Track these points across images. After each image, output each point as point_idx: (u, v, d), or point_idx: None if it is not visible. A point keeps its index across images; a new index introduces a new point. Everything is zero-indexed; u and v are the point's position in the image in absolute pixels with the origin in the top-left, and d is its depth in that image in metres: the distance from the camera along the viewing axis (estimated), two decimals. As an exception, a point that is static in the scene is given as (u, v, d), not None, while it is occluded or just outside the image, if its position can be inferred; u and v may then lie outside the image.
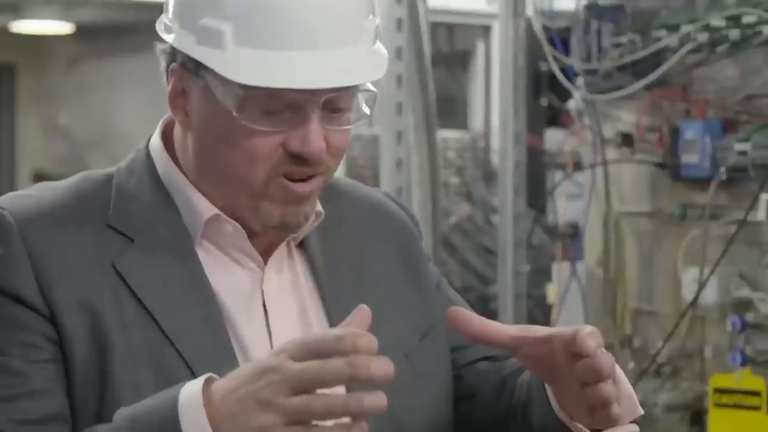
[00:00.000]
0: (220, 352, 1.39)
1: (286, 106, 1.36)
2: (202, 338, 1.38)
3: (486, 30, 4.84)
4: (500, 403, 1.54)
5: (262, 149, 1.37)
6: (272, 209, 1.41)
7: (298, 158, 1.38)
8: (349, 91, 1.38)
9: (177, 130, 1.48)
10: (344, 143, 1.42)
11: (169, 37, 1.41)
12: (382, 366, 1.13)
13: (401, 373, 1.22)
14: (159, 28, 1.43)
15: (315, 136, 1.36)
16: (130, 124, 7.39)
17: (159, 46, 1.44)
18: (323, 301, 1.49)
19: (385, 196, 1.67)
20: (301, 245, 1.52)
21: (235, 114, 1.36)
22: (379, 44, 1.43)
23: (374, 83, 1.43)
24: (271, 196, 1.40)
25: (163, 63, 1.44)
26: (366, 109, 1.43)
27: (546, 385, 1.43)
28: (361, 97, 1.42)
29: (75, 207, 1.42)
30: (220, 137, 1.39)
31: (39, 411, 1.32)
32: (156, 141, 1.49)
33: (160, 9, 1.46)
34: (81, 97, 8.37)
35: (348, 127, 1.42)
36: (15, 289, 1.35)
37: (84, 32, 7.48)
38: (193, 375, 1.31)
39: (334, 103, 1.38)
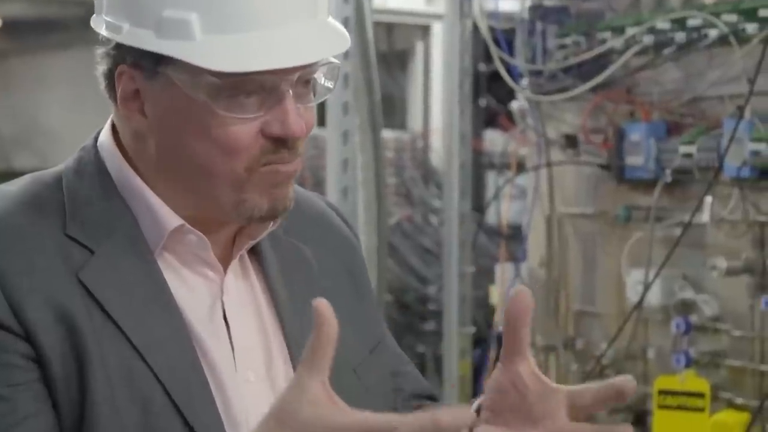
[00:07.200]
0: (188, 366, 1.32)
1: (260, 88, 1.30)
2: (172, 353, 1.32)
3: (425, 30, 4.82)
4: None
5: (241, 138, 1.30)
6: (260, 199, 1.34)
7: (279, 142, 1.32)
8: (317, 63, 1.34)
9: (128, 134, 1.38)
10: (314, 119, 1.37)
11: (118, 37, 1.32)
12: None
13: (349, 387, 1.19)
14: (99, 28, 1.35)
15: (294, 115, 1.31)
16: (58, 121, 7.26)
17: (100, 50, 1.36)
18: (276, 308, 1.43)
19: (327, 206, 1.62)
20: (252, 250, 1.46)
21: (211, 103, 1.29)
22: (331, 18, 1.39)
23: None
24: (255, 184, 1.33)
25: (104, 67, 1.36)
26: (328, 84, 1.38)
27: None
28: (321, 71, 1.37)
29: (31, 215, 1.33)
30: (193, 133, 1.31)
31: None
32: (106, 140, 1.39)
33: (89, 5, 1.38)
34: (6, 94, 8.21)
35: (315, 102, 1.37)
36: None
37: (10, 27, 7.33)
38: (165, 390, 1.29)
39: (304, 77, 1.32)
